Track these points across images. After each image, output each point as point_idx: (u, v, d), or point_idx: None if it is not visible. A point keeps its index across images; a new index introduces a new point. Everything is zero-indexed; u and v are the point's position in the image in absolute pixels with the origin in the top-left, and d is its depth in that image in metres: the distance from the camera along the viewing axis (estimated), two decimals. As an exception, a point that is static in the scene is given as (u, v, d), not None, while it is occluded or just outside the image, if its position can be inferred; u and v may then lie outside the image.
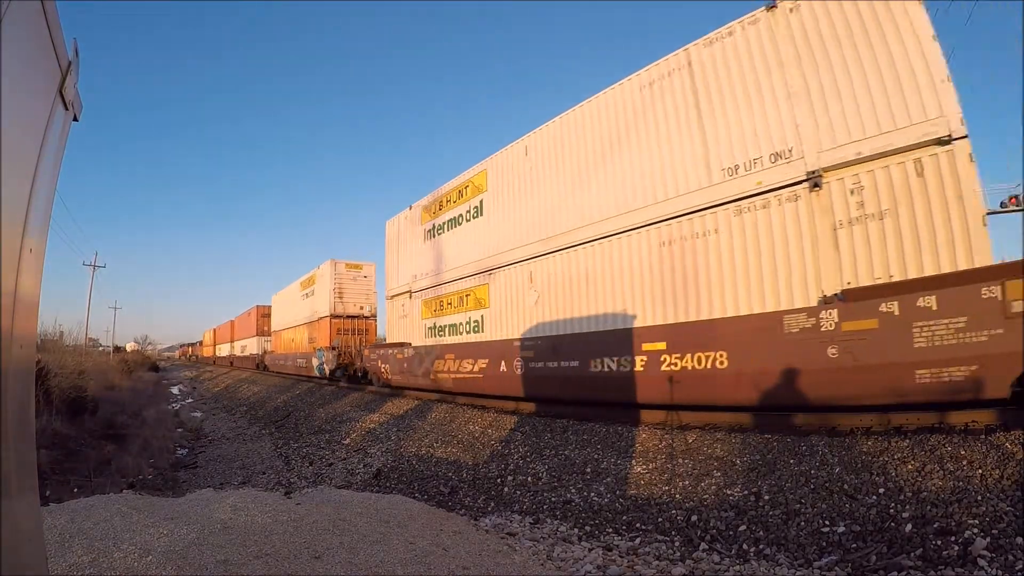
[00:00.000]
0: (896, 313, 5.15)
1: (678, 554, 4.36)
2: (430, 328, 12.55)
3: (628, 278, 7.74)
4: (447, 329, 11.90)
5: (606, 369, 7.69)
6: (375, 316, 19.45)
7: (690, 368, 6.72)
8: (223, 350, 43.60)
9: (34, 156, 1.22)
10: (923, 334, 4.96)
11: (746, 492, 5.00)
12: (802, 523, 4.35)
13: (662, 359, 7.01)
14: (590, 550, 4.54)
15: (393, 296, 14.50)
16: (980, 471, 4.17)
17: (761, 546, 4.25)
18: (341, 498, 5.19)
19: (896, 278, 5.41)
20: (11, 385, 1.10)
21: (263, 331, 30.03)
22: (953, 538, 3.61)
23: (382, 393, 14.17)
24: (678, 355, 6.87)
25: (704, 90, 7.18)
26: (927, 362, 4.94)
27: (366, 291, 19.77)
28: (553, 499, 5.95)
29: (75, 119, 1.55)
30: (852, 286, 5.67)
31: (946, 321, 4.83)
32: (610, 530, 5.05)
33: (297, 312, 23.23)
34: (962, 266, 5.05)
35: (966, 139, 5.19)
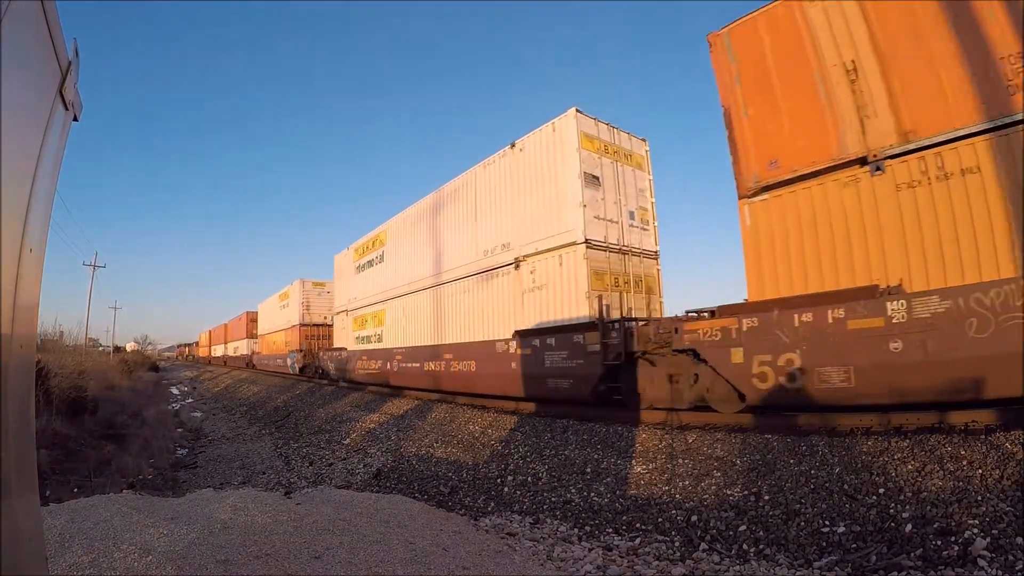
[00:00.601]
0: (537, 344, 9.09)
1: (678, 554, 4.36)
2: (356, 338, 17.34)
3: (437, 315, 12.44)
4: (364, 339, 16.64)
5: (428, 368, 12.30)
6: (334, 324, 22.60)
7: (464, 369, 10.94)
8: (218, 350, 47.45)
9: (34, 156, 1.22)
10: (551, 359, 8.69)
11: (746, 492, 5.00)
12: (802, 523, 4.35)
13: (452, 363, 11.31)
14: (590, 550, 4.54)
15: (337, 312, 19.58)
16: (980, 471, 4.17)
17: (761, 546, 4.25)
18: (341, 498, 5.19)
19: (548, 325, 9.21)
20: (11, 385, 1.10)
21: (252, 334, 34.11)
22: (953, 538, 3.61)
23: (382, 393, 14.21)
24: (457, 360, 11.20)
25: (478, 198, 11.18)
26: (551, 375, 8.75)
27: (328, 304, 23.69)
28: (553, 499, 5.94)
29: (75, 119, 1.55)
30: (523, 328, 9.53)
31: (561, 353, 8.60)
32: (610, 530, 5.05)
33: (277, 320, 27.79)
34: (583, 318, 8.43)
35: (585, 244, 8.57)
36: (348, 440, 10.34)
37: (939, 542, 3.63)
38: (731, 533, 4.54)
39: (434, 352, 11.99)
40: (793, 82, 6.59)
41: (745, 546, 4.31)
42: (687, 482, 5.49)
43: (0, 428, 1.03)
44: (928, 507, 4.00)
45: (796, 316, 5.78)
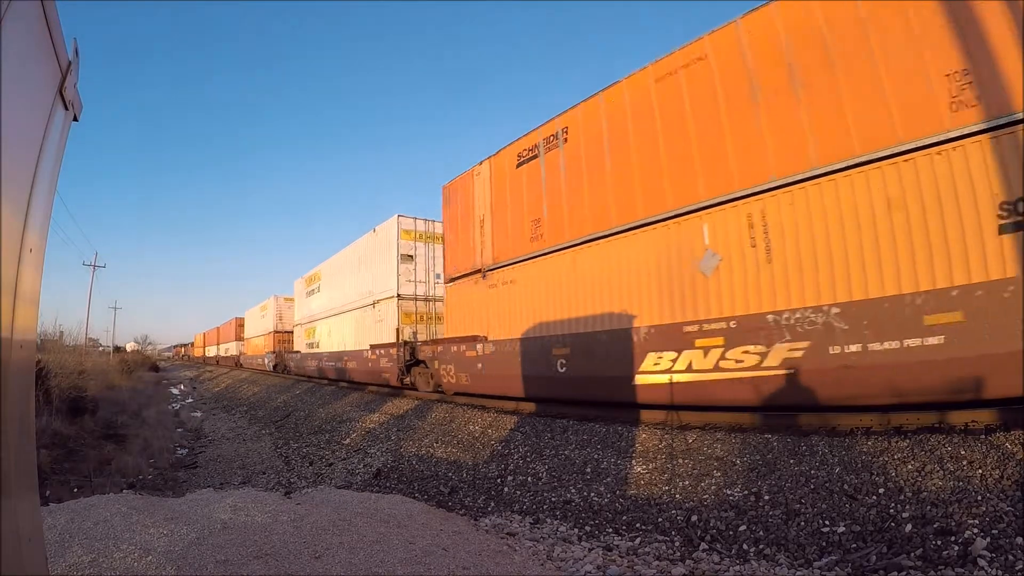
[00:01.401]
0: (380, 351, 15.19)
1: (678, 554, 4.36)
2: (306, 343, 23.27)
3: (342, 332, 18.50)
4: (310, 345, 22.50)
5: (336, 365, 18.49)
6: (301, 331, 29.36)
7: (351, 366, 17.03)
8: (211, 351, 53.23)
9: (34, 156, 1.22)
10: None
11: (746, 492, 5.00)
12: (802, 523, 4.35)
13: (348, 362, 17.36)
14: (590, 550, 4.54)
15: (296, 324, 25.94)
16: (980, 471, 4.17)
17: (761, 546, 4.25)
18: (341, 498, 5.19)
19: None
20: (11, 385, 1.10)
21: (239, 337, 39.33)
22: (953, 538, 3.61)
23: (381, 393, 14.22)
24: (349, 361, 17.39)
25: (359, 260, 17.04)
26: None
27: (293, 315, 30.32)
28: (553, 499, 5.95)
29: (75, 119, 1.55)
30: (374, 343, 15.55)
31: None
32: (610, 530, 5.05)
33: (258, 326, 33.60)
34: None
35: (398, 297, 14.03)
36: (348, 440, 10.34)
37: (939, 542, 3.63)
38: (731, 533, 4.54)
39: (339, 356, 18.51)
40: (464, 224, 11.59)
41: (745, 546, 4.31)
42: (687, 482, 5.49)
43: (0, 428, 1.03)
44: (928, 507, 4.00)
45: (454, 346, 11.40)
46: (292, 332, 26.89)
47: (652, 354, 6.94)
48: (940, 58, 4.92)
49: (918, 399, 5.06)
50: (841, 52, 5.61)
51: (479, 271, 10.76)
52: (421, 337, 13.91)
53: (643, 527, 4.99)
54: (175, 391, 28.73)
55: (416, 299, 14.33)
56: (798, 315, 5.72)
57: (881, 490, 4.37)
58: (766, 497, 4.82)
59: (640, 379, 7.08)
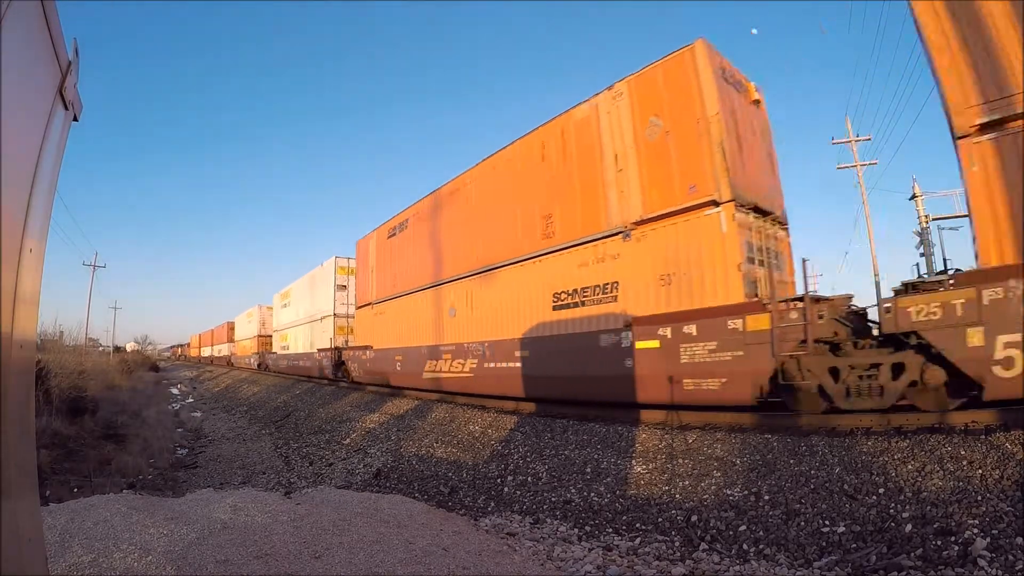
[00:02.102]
0: (325, 354, 20.88)
1: (678, 554, 4.36)
2: (280, 347, 28.29)
3: (302, 338, 23.96)
4: (283, 348, 27.54)
5: (296, 364, 24.04)
6: (281, 335, 34.55)
7: (305, 364, 22.87)
8: (205, 351, 59.06)
9: (34, 156, 1.22)
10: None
11: (746, 492, 5.00)
12: (802, 523, 4.35)
13: (302, 361, 23.25)
14: (590, 550, 4.54)
15: (274, 331, 30.66)
16: (980, 471, 4.17)
17: (761, 546, 4.25)
18: (341, 498, 5.19)
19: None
20: (11, 385, 1.10)
21: (231, 339, 44.62)
22: (953, 538, 3.61)
23: (381, 393, 14.22)
24: (304, 361, 22.98)
25: (312, 286, 23.04)
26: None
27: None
28: (553, 499, 5.94)
29: (75, 119, 1.55)
30: (321, 347, 21.46)
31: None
32: (610, 530, 5.05)
33: (246, 330, 38.88)
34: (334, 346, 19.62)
35: (334, 315, 20.29)
36: (348, 440, 10.34)
37: (939, 542, 3.63)
38: (731, 533, 4.54)
39: (299, 356, 23.62)
40: (363, 270, 17.98)
41: (745, 546, 4.31)
42: (687, 482, 5.49)
43: (0, 428, 1.03)
44: (928, 507, 4.00)
45: (356, 351, 17.47)
46: (271, 336, 32.01)
47: (429, 361, 12.49)
48: (540, 206, 9.60)
49: (512, 394, 9.78)
50: (483, 211, 11.30)
51: (370, 303, 16.47)
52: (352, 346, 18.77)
53: (643, 527, 4.98)
54: (175, 391, 28.74)
55: (347, 317, 19.89)
56: (475, 345, 10.85)
57: (881, 490, 4.37)
58: (766, 497, 4.82)
59: (425, 374, 12.60)
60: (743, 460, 5.51)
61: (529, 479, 6.61)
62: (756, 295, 6.75)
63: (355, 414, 12.32)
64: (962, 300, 4.95)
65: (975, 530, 3.61)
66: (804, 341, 5.89)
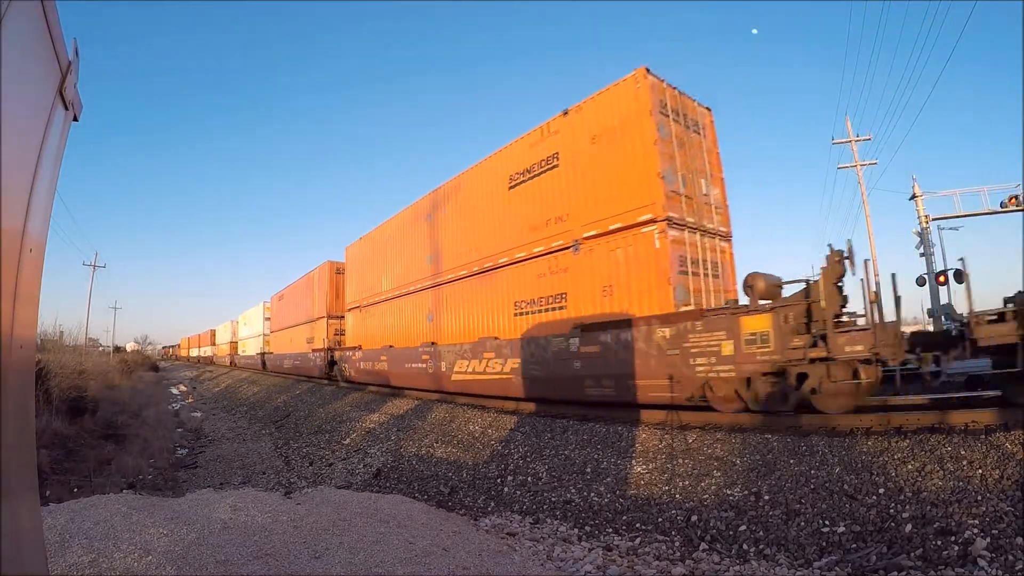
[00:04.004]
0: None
1: (678, 554, 4.36)
2: (241, 350, 37.66)
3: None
4: (244, 351, 37.28)
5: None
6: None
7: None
8: (193, 352, 69.39)
9: (34, 156, 1.22)
10: None
11: (746, 492, 5.00)
12: (802, 523, 4.35)
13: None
14: (590, 550, 4.54)
15: (239, 339, 38.88)
16: (980, 471, 4.17)
17: (761, 546, 4.25)
18: (341, 498, 5.19)
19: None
20: (11, 385, 1.10)
21: (213, 343, 53.55)
22: (953, 538, 3.61)
23: (382, 393, 14.22)
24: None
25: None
26: None
27: (244, 331, 39.41)
28: (553, 499, 5.94)
29: (75, 119, 1.55)
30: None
31: None
32: (610, 530, 5.05)
33: (222, 337, 47.90)
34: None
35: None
36: (348, 440, 10.34)
37: (939, 542, 3.63)
38: (731, 533, 4.54)
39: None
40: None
41: (745, 546, 4.31)
42: (687, 482, 5.49)
43: (0, 428, 1.03)
44: (928, 507, 4.00)
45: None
46: (238, 343, 38.76)
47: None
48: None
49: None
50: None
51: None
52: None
53: (643, 527, 4.98)
54: (175, 391, 28.74)
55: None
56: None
57: (881, 490, 4.37)
58: (766, 497, 4.82)
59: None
60: (743, 460, 5.51)
61: (529, 479, 6.61)
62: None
63: (355, 414, 12.32)
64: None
65: (975, 530, 3.61)
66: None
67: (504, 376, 9.75)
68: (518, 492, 6.35)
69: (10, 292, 1.09)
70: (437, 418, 10.07)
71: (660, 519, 5.03)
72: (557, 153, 9.24)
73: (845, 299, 6.04)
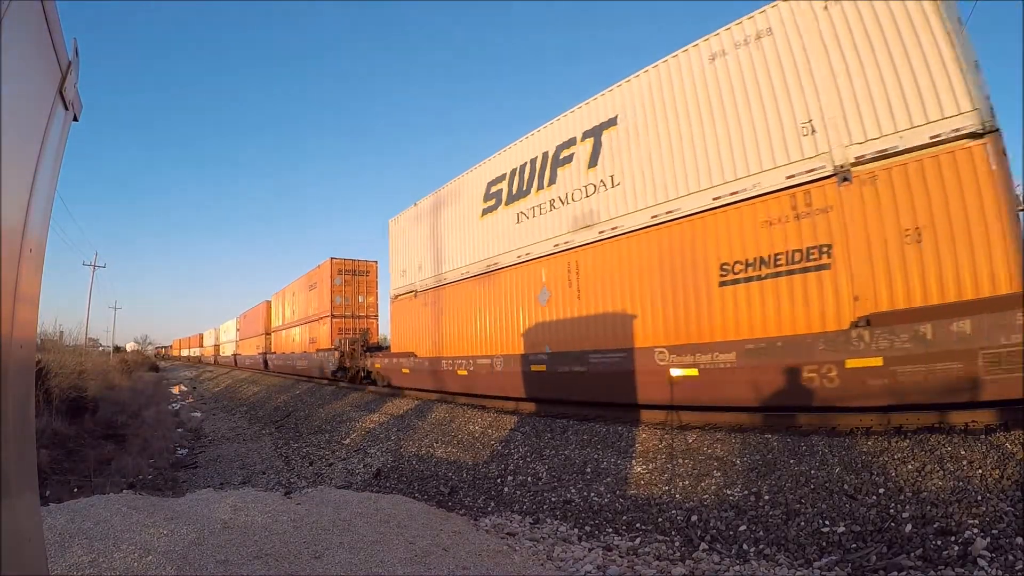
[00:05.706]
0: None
1: (678, 554, 4.36)
2: (222, 352, 42.72)
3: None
4: (224, 353, 42.38)
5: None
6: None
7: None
8: (184, 352, 76.31)
9: (34, 156, 1.22)
10: None
11: (746, 492, 5.00)
12: (802, 523, 4.35)
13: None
14: (590, 550, 4.54)
15: (219, 343, 44.56)
16: (980, 471, 4.17)
17: (761, 546, 4.25)
18: (341, 498, 5.19)
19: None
20: (11, 385, 1.10)
21: (200, 344, 59.21)
22: (953, 538, 3.61)
23: (382, 393, 14.21)
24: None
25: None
26: None
27: (232, 335, 41.37)
28: (553, 499, 5.94)
29: (75, 119, 1.55)
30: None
31: None
32: (610, 530, 5.05)
33: (208, 340, 51.40)
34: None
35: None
36: (348, 440, 10.34)
37: (939, 542, 3.63)
38: (731, 533, 4.54)
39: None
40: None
41: (745, 546, 4.31)
42: (687, 482, 5.49)
43: (0, 428, 1.03)
44: (928, 507, 4.00)
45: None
46: (219, 346, 42.89)
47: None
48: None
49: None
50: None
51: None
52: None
53: (643, 527, 4.99)
54: (175, 391, 28.74)
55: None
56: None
57: (881, 490, 4.37)
58: (766, 497, 4.82)
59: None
60: (743, 460, 5.51)
61: (529, 479, 6.61)
62: None
63: (355, 414, 12.32)
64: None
65: (975, 530, 3.61)
66: None
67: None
68: (518, 492, 6.35)
69: (10, 292, 1.09)
70: (437, 418, 10.07)
71: (660, 519, 5.03)
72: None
73: None
